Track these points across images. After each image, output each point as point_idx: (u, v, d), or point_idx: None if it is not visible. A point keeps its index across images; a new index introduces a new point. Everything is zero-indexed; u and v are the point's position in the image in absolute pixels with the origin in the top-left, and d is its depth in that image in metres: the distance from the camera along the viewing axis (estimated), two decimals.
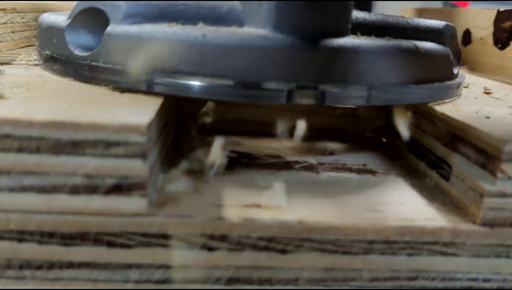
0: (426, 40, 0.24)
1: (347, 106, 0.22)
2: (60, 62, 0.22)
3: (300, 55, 0.19)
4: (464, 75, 0.27)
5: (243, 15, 0.21)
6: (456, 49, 0.26)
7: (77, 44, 0.22)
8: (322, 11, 0.21)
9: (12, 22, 0.33)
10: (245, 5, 0.21)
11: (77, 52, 0.22)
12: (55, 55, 0.23)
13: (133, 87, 0.20)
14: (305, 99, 0.19)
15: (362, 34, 0.23)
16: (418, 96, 0.22)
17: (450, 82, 0.24)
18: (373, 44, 0.21)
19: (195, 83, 0.19)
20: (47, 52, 0.23)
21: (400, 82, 0.21)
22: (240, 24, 0.21)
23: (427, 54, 0.22)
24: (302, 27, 0.20)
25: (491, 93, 0.28)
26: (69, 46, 0.22)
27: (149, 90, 0.20)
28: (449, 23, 0.26)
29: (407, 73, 0.21)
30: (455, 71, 0.25)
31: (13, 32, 0.34)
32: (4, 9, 0.32)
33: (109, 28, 0.20)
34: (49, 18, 0.24)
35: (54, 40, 0.23)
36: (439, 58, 0.23)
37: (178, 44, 0.19)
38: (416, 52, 0.22)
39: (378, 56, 0.20)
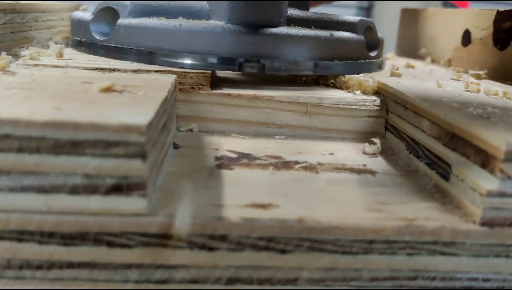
0: (344, 31, 0.33)
1: (280, 74, 0.33)
2: (86, 44, 0.33)
3: (244, 38, 0.29)
4: (385, 58, 0.37)
5: (209, 12, 0.32)
6: (373, 37, 0.35)
7: (98, 32, 0.32)
8: (260, 10, 0.31)
9: (12, 23, 0.33)
10: (210, 5, 0.32)
11: (98, 37, 0.32)
12: (83, 40, 0.33)
13: (135, 60, 0.30)
14: (252, 69, 0.29)
15: (295, 26, 0.32)
16: (334, 69, 0.31)
17: (363, 61, 0.33)
18: (297, 32, 0.30)
19: (175, 59, 0.29)
20: (77, 38, 0.34)
21: (319, 59, 0.31)
22: (208, 18, 0.32)
23: (340, 39, 0.32)
24: (246, 20, 0.30)
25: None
26: (92, 33, 0.32)
27: (148, 63, 0.29)
28: (365, 18, 0.35)
29: (324, 52, 0.31)
30: (373, 54, 0.35)
31: (12, 32, 0.34)
32: (4, 10, 0.32)
33: (119, 21, 0.30)
34: (78, 14, 0.34)
35: (82, 29, 0.33)
36: (351, 43, 0.32)
37: (163, 31, 0.29)
38: (330, 38, 0.31)
39: (300, 40, 0.30)
